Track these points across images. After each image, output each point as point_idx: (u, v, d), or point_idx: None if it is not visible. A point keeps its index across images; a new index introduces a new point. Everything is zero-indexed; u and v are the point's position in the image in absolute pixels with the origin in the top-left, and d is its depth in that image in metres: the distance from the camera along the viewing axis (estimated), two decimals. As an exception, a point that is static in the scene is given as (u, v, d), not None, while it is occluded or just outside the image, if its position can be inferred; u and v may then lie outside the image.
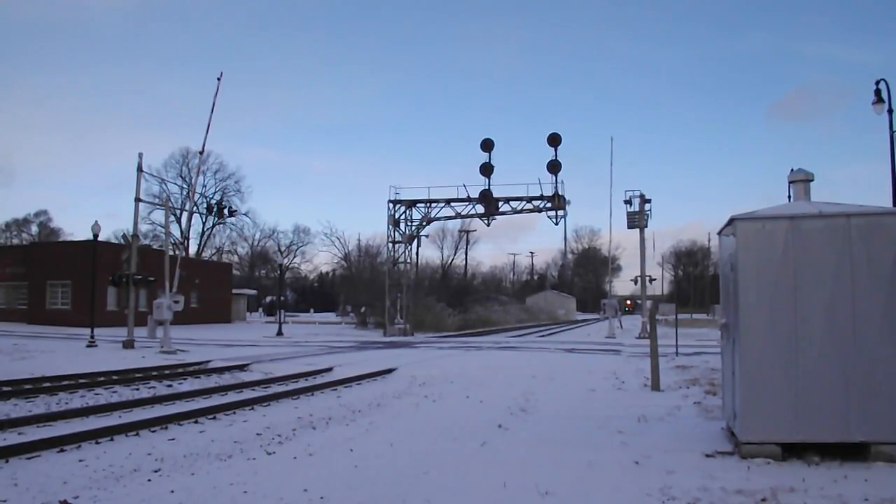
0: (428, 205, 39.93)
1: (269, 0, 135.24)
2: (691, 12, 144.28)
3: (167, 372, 16.11)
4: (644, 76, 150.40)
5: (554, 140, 36.74)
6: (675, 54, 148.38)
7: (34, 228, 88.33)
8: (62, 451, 7.33)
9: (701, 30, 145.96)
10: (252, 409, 10.67)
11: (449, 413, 10.38)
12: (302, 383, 14.22)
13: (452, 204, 39.39)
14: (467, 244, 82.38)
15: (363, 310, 50.60)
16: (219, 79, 26.91)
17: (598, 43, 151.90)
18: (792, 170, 8.02)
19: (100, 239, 28.55)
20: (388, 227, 40.41)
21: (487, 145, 37.94)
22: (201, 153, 29.47)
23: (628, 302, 55.65)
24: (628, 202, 35.96)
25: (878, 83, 17.90)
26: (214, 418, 9.74)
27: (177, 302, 24.53)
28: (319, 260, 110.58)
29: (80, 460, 6.94)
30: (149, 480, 6.18)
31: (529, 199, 37.80)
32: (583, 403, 11.30)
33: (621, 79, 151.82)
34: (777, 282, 6.81)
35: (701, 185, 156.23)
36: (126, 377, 14.59)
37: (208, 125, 27.51)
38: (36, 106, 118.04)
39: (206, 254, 74.10)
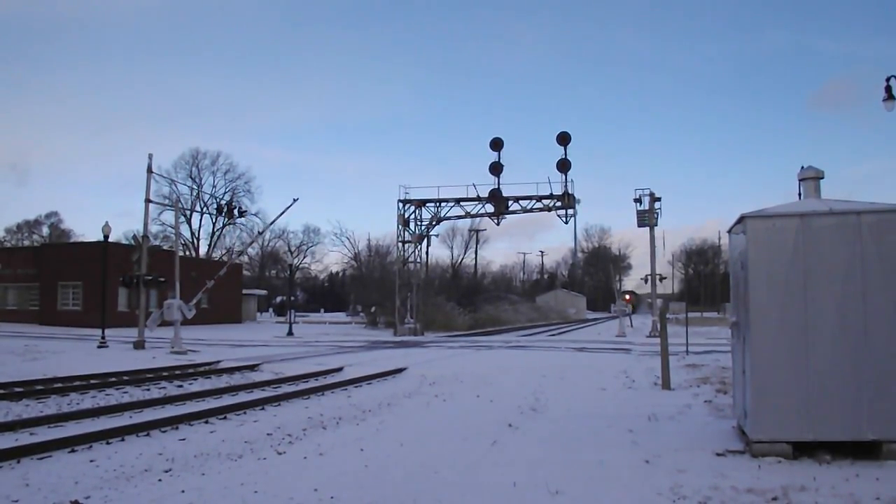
0: (437, 204, 39.97)
1: (280, 1, 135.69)
2: (705, 9, 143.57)
3: (178, 372, 16.18)
4: (656, 74, 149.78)
5: (563, 139, 36.73)
6: (686, 52, 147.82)
7: (45, 230, 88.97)
8: (73, 451, 7.38)
9: (716, 27, 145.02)
10: (262, 409, 10.71)
11: (459, 412, 10.39)
12: (312, 383, 14.25)
13: (462, 203, 39.43)
14: (477, 243, 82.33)
15: (373, 309, 50.71)
16: (295, 200, 28.66)
17: (608, 41, 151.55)
18: (802, 167, 7.98)
19: (110, 240, 28.67)
20: (398, 227, 40.48)
21: (497, 144, 37.98)
22: (245, 252, 30.56)
23: (626, 297, 53.71)
24: (638, 200, 35.87)
25: (888, 80, 17.74)
26: (225, 418, 9.78)
27: (191, 309, 24.72)
28: (329, 260, 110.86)
29: (92, 460, 6.98)
30: (159, 480, 6.21)
31: (539, 198, 37.76)
32: (593, 402, 11.27)
33: (633, 77, 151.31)
34: (787, 280, 6.77)
35: (716, 184, 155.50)
36: (137, 378, 14.66)
37: (266, 227, 28.94)
38: (45, 107, 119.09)
39: (216, 254, 74.40)
